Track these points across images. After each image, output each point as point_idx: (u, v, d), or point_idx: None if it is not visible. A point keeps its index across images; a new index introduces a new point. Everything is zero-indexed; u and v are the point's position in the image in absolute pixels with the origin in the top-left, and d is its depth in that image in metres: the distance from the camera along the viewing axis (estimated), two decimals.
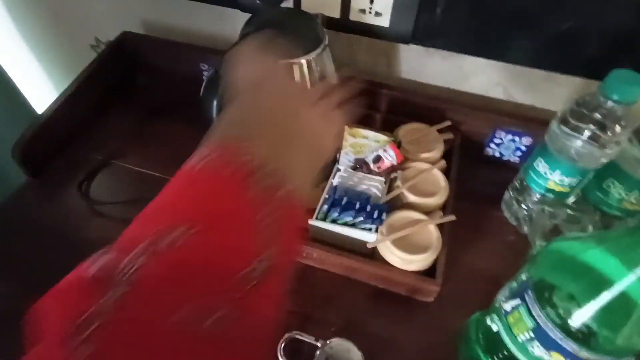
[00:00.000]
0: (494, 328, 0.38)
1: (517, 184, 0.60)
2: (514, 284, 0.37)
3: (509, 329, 0.36)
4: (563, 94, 0.64)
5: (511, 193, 0.61)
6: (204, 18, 0.75)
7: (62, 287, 0.21)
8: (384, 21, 0.58)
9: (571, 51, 0.59)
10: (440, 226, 0.54)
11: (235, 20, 0.71)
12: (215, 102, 0.46)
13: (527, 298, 0.33)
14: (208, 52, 0.74)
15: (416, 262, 0.50)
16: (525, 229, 0.58)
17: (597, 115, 0.46)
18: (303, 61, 0.50)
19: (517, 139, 0.66)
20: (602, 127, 0.46)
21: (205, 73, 0.75)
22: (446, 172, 0.61)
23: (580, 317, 0.30)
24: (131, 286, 0.20)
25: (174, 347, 0.19)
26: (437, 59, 0.67)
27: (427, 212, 0.56)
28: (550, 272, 0.34)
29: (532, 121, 0.66)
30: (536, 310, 0.32)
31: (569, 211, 0.54)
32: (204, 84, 0.48)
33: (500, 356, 0.39)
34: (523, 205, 0.59)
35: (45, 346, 0.19)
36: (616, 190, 0.52)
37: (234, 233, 0.23)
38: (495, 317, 0.38)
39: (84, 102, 0.73)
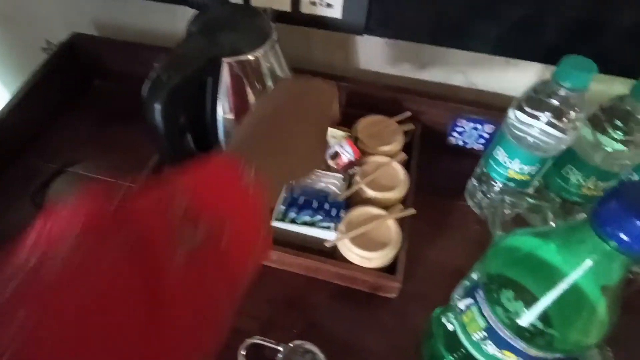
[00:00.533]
0: (450, 327, 0.37)
1: (479, 172, 0.59)
2: (467, 283, 0.37)
3: (463, 328, 0.35)
4: (524, 79, 0.63)
5: (474, 182, 0.61)
6: (157, 17, 0.72)
7: None
8: (336, 12, 0.57)
9: (529, 37, 0.58)
10: (401, 221, 0.53)
11: (186, 15, 0.69)
12: (159, 107, 0.44)
13: (477, 298, 0.32)
14: (164, 52, 0.71)
15: (375, 259, 0.49)
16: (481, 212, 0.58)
17: (553, 102, 0.46)
18: (250, 57, 0.48)
19: (479, 126, 0.65)
20: (557, 113, 0.46)
21: None
22: (407, 164, 0.60)
23: (528, 315, 0.29)
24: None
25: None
26: (395, 49, 0.65)
27: (388, 206, 0.55)
28: (499, 268, 0.33)
29: (494, 108, 0.65)
30: (486, 310, 0.31)
31: (530, 200, 0.54)
32: (147, 86, 0.45)
33: (459, 354, 0.38)
34: (487, 195, 0.58)
35: None
36: (575, 177, 0.51)
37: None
38: (450, 315, 0.37)
39: (35, 107, 0.70)
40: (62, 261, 0.19)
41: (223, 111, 0.51)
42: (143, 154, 0.62)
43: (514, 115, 0.50)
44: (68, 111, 0.73)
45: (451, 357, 0.42)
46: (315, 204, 0.51)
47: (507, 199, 0.54)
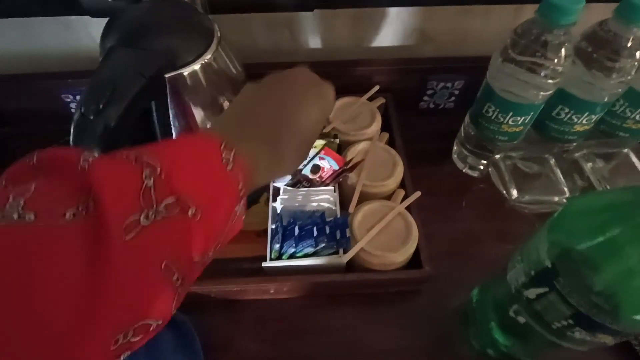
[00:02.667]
0: (521, 320, 0.33)
1: (465, 133, 0.56)
2: (531, 270, 0.32)
3: (538, 317, 0.31)
4: (482, 25, 0.60)
5: (461, 144, 0.57)
6: (46, 33, 0.57)
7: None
8: None
9: None
10: (409, 205, 0.48)
11: (89, 25, 0.56)
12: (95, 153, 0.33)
13: (558, 285, 0.28)
14: (67, 77, 0.57)
15: (399, 257, 0.44)
16: (484, 175, 0.55)
17: (542, 44, 0.42)
18: (197, 67, 0.38)
19: (449, 85, 0.62)
20: (548, 55, 0.42)
21: (72, 105, 0.59)
22: (390, 141, 0.55)
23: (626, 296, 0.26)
24: None
25: None
26: (345, 19, 0.58)
27: (389, 194, 0.50)
28: (571, 242, 0.28)
29: (460, 61, 0.61)
30: (574, 298, 0.27)
31: (527, 150, 0.52)
32: (72, 130, 0.34)
33: (528, 339, 0.35)
34: (478, 153, 0.55)
35: None
36: (567, 116, 0.49)
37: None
38: (517, 307, 0.33)
39: None
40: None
41: (178, 134, 0.41)
42: None
43: (500, 66, 0.46)
44: None
45: (510, 341, 0.39)
46: (314, 231, 0.44)
47: (508, 154, 0.51)
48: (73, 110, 0.59)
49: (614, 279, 0.26)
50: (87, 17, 0.52)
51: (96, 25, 0.55)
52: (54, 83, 0.58)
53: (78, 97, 0.58)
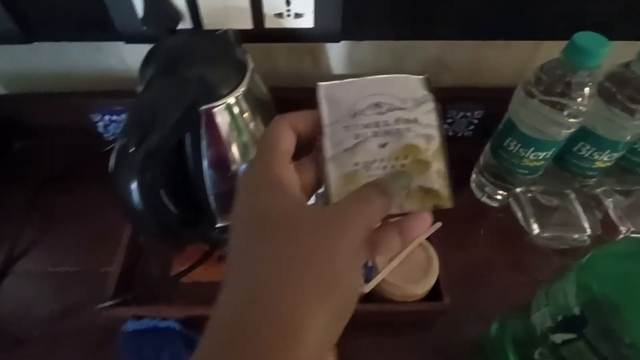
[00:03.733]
0: None
1: (484, 163, 0.56)
2: (558, 315, 0.32)
3: None
4: (501, 57, 0.61)
5: (479, 173, 0.58)
6: (79, 55, 0.59)
7: None
8: (307, 22, 0.49)
9: (500, 16, 0.55)
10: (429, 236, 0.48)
11: (119, 49, 0.57)
12: (134, 183, 0.35)
13: (587, 334, 0.29)
14: (96, 96, 0.59)
15: (420, 288, 0.44)
16: (502, 205, 0.55)
17: (565, 83, 0.43)
18: (231, 101, 0.40)
19: (469, 114, 0.62)
20: (572, 94, 0.43)
21: (99, 125, 0.61)
22: None
23: None
24: None
25: None
26: (367, 47, 0.59)
27: None
28: (600, 289, 0.29)
29: (478, 92, 0.62)
30: (604, 348, 0.28)
31: (547, 184, 0.52)
32: (114, 158, 0.35)
33: None
34: (497, 184, 0.55)
35: None
36: (588, 152, 0.50)
37: None
38: (543, 351, 0.33)
39: None
40: None
41: (209, 165, 0.42)
42: (102, 223, 0.51)
43: (523, 102, 0.46)
44: None
45: None
46: None
47: (529, 188, 0.51)
48: (97, 128, 0.61)
49: None
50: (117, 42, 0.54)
51: (126, 49, 0.57)
52: (83, 102, 0.60)
53: (107, 117, 0.60)
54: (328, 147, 0.24)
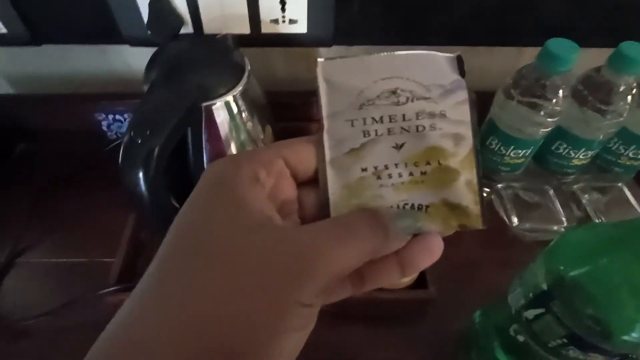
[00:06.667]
0: (520, 339, 0.36)
1: None
2: (522, 288, 0.35)
3: (535, 337, 0.34)
4: (486, 63, 0.64)
5: None
6: (84, 58, 0.62)
7: None
8: (301, 28, 0.53)
9: (485, 24, 0.58)
10: None
11: (123, 52, 0.60)
12: (140, 174, 0.37)
13: (553, 307, 0.31)
14: (101, 98, 0.62)
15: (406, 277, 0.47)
16: (486, 203, 0.58)
17: (541, 86, 0.46)
18: (229, 98, 0.43)
19: None
20: (547, 96, 0.46)
21: (104, 124, 0.63)
22: None
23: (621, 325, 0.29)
24: None
25: None
26: (359, 51, 0.63)
27: None
28: (566, 269, 0.32)
29: None
30: (568, 320, 0.31)
31: (527, 181, 0.55)
32: (121, 151, 0.38)
33: (527, 358, 0.37)
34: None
35: None
36: (565, 151, 0.53)
37: None
38: (517, 327, 0.36)
39: None
40: None
41: (209, 159, 0.45)
42: (105, 220, 0.53)
43: (503, 103, 0.50)
44: None
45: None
46: None
47: (511, 184, 0.54)
48: (104, 129, 0.64)
49: (603, 304, 0.29)
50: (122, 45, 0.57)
51: (130, 52, 0.60)
52: (88, 104, 0.62)
53: (110, 116, 0.62)
54: (327, 147, 0.18)
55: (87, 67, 0.63)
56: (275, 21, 0.52)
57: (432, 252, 0.19)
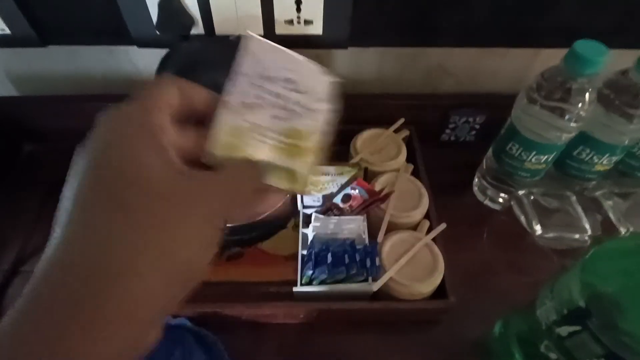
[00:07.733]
0: (552, 357, 0.34)
1: (487, 167, 0.58)
2: (563, 309, 0.33)
3: (569, 354, 0.33)
4: (500, 64, 0.63)
5: (482, 176, 0.59)
6: (91, 59, 0.60)
7: None
8: (317, 29, 0.51)
9: (499, 25, 0.57)
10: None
11: (130, 53, 0.59)
12: None
13: (590, 325, 0.30)
14: (107, 99, 0.60)
15: (426, 287, 0.46)
16: (504, 208, 0.57)
17: (565, 89, 0.45)
18: None
19: (471, 119, 0.64)
20: (572, 100, 0.45)
21: None
22: (414, 172, 0.57)
23: None
24: None
25: None
26: (373, 54, 0.61)
27: (415, 225, 0.52)
28: (609, 285, 0.30)
29: (479, 98, 0.64)
30: (606, 338, 0.29)
31: (547, 186, 0.54)
32: None
33: None
34: (498, 187, 0.57)
35: None
36: (588, 156, 0.51)
37: None
38: (549, 344, 0.35)
39: None
40: None
41: None
42: None
43: (526, 107, 0.48)
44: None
45: None
46: (346, 258, 0.45)
47: (531, 190, 0.53)
48: None
49: None
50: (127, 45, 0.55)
51: (138, 53, 0.58)
52: (95, 105, 0.61)
53: None
54: (230, 92, 0.24)
55: (93, 69, 0.62)
56: (290, 22, 0.50)
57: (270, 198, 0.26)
